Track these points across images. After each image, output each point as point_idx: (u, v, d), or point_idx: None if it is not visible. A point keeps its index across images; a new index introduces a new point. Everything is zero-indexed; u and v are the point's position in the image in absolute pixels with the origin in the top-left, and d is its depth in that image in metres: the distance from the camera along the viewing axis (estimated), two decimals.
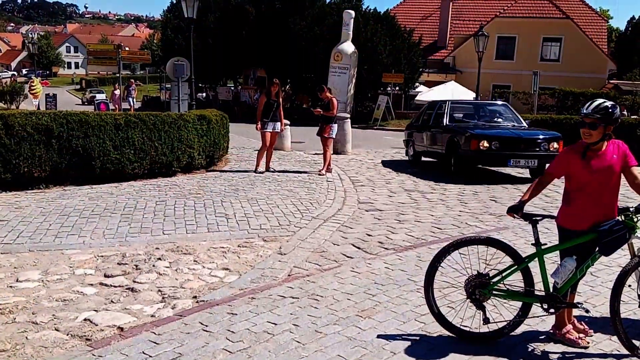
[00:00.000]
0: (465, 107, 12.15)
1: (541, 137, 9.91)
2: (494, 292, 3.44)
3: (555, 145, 9.64)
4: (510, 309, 3.68)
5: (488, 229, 6.45)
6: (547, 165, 7.15)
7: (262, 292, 4.23)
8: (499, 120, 11.11)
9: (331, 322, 3.70)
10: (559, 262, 3.40)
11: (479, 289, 3.41)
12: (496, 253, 3.57)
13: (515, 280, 3.48)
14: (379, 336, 3.50)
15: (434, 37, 38.90)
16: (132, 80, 29.49)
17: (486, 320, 3.37)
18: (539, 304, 3.41)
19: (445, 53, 37.45)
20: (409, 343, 3.42)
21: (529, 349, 3.38)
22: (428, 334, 3.56)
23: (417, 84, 31.30)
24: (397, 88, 29.93)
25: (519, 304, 3.54)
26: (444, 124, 10.94)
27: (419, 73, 30.75)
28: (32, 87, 25.47)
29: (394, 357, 3.24)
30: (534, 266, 3.41)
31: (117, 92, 25.77)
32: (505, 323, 3.47)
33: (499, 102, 13.14)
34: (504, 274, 3.43)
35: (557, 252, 3.51)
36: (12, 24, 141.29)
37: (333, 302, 4.06)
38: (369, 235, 6.11)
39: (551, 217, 3.50)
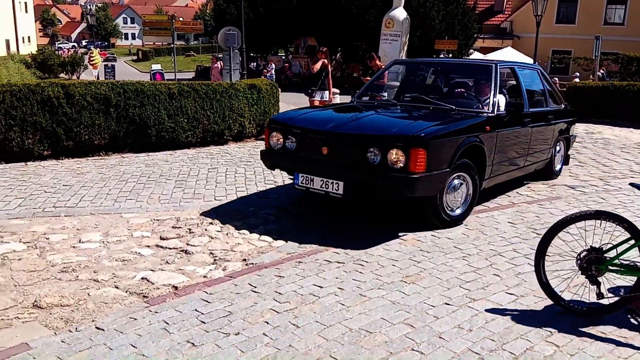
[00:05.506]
0: (421, 71, 7.23)
1: (377, 134, 4.89)
2: (610, 267, 3.32)
3: (401, 156, 4.59)
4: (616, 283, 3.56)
5: (540, 198, 6.33)
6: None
7: (309, 256, 4.34)
8: (463, 95, 6.14)
9: (375, 287, 3.77)
10: None
11: (595, 264, 3.29)
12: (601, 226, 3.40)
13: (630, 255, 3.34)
14: (422, 301, 3.56)
15: (491, 2, 37.55)
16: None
17: (600, 295, 3.28)
18: None
19: (502, 18, 36.15)
20: (453, 308, 3.46)
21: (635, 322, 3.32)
22: (473, 300, 3.58)
23: (471, 50, 30.44)
24: (450, 55, 29.22)
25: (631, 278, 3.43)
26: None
27: (474, 39, 29.87)
28: (92, 58, 26.29)
29: (437, 321, 3.29)
30: None
31: (218, 64, 24.03)
32: (617, 298, 3.38)
33: (484, 62, 6.78)
34: (619, 250, 3.29)
35: None
36: None
37: (378, 267, 4.13)
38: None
39: None
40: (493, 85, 5.76)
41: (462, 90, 6.27)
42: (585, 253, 3.33)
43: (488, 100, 5.67)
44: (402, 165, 4.62)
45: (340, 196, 4.93)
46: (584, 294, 3.47)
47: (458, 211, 5.22)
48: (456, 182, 5.10)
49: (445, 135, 4.91)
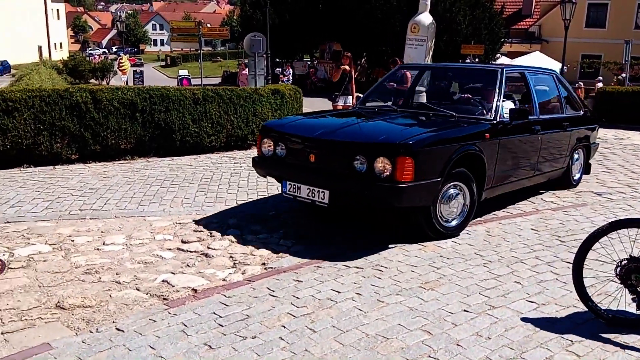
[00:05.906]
0: (427, 77, 7.12)
1: (364, 142, 4.70)
2: None
3: (388, 164, 4.39)
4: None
5: (565, 205, 6.22)
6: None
7: (328, 261, 4.34)
8: (469, 100, 5.89)
9: (393, 293, 3.75)
10: None
11: (635, 273, 3.21)
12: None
13: None
14: (441, 308, 3.53)
15: (519, 5, 37.14)
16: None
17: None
18: None
19: (530, 22, 35.72)
20: (472, 315, 3.42)
21: None
22: (492, 308, 3.53)
23: (498, 55, 30.12)
24: (476, 60, 28.94)
25: None
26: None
27: (501, 44, 29.56)
28: (121, 64, 26.78)
29: (455, 328, 3.26)
30: None
31: (245, 71, 23.63)
32: None
33: (490, 67, 6.56)
34: None
35: None
36: (102, 3, 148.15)
37: (397, 273, 4.11)
38: None
39: None
40: (497, 91, 5.46)
41: (467, 95, 6.01)
42: (625, 262, 3.25)
43: (490, 107, 5.38)
44: (388, 174, 4.40)
45: (326, 205, 4.75)
46: (611, 302, 3.39)
47: (454, 222, 4.95)
48: (452, 191, 4.85)
49: (436, 143, 4.67)
